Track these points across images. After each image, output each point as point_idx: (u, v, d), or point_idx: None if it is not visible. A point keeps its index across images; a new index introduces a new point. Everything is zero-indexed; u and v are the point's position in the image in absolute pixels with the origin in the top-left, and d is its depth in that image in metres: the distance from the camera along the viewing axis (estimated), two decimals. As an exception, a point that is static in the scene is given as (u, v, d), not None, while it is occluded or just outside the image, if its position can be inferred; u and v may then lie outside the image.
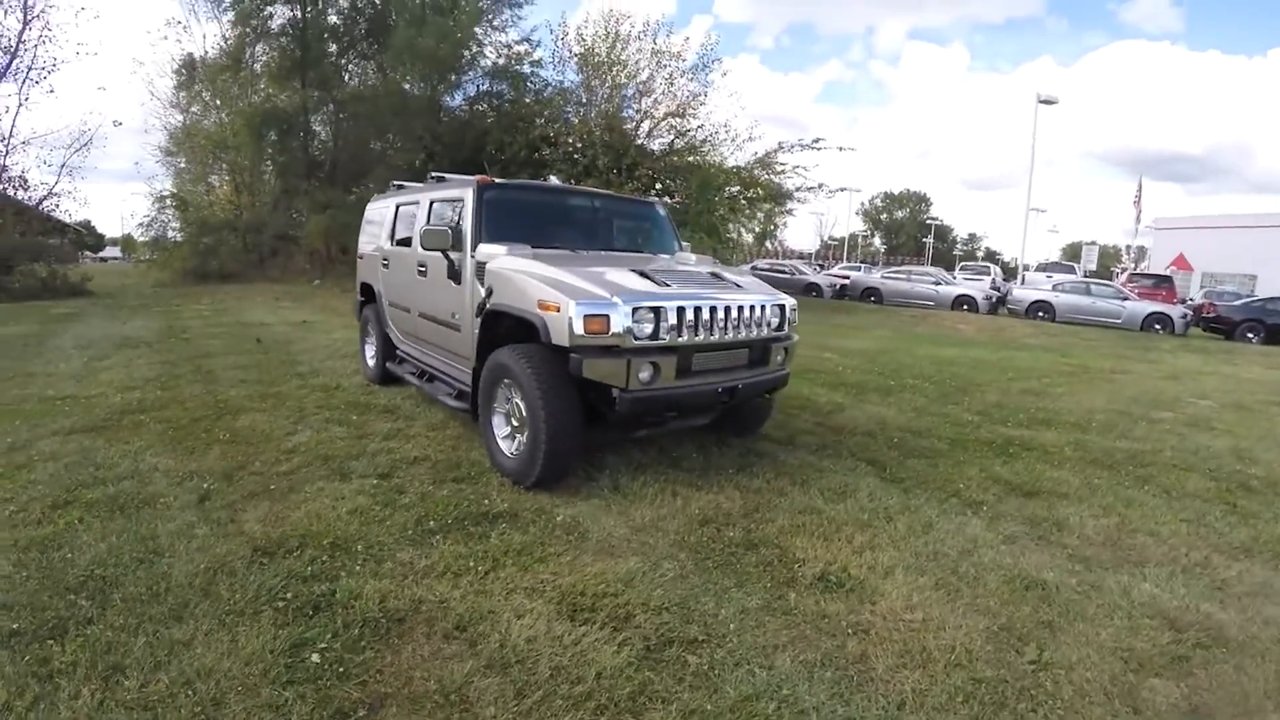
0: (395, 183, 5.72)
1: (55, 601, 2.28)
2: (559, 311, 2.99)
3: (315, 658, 2.02)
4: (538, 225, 4.16)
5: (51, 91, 15.50)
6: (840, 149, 14.82)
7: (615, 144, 13.94)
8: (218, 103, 17.39)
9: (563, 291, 3.04)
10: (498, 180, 4.13)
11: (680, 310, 3.14)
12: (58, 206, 13.36)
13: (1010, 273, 31.53)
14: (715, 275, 3.80)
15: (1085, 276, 22.20)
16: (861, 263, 31.57)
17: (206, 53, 16.67)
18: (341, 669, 1.98)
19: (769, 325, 3.64)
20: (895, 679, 1.98)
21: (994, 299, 18.05)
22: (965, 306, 17.61)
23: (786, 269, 22.04)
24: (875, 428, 4.97)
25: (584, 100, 15.22)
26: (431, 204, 4.46)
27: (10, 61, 11.97)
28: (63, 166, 13.44)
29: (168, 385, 5.51)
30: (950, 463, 4.15)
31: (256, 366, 6.46)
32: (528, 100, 15.37)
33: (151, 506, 3.07)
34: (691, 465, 3.77)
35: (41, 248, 12.63)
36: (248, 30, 15.28)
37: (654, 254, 4.57)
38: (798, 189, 15.04)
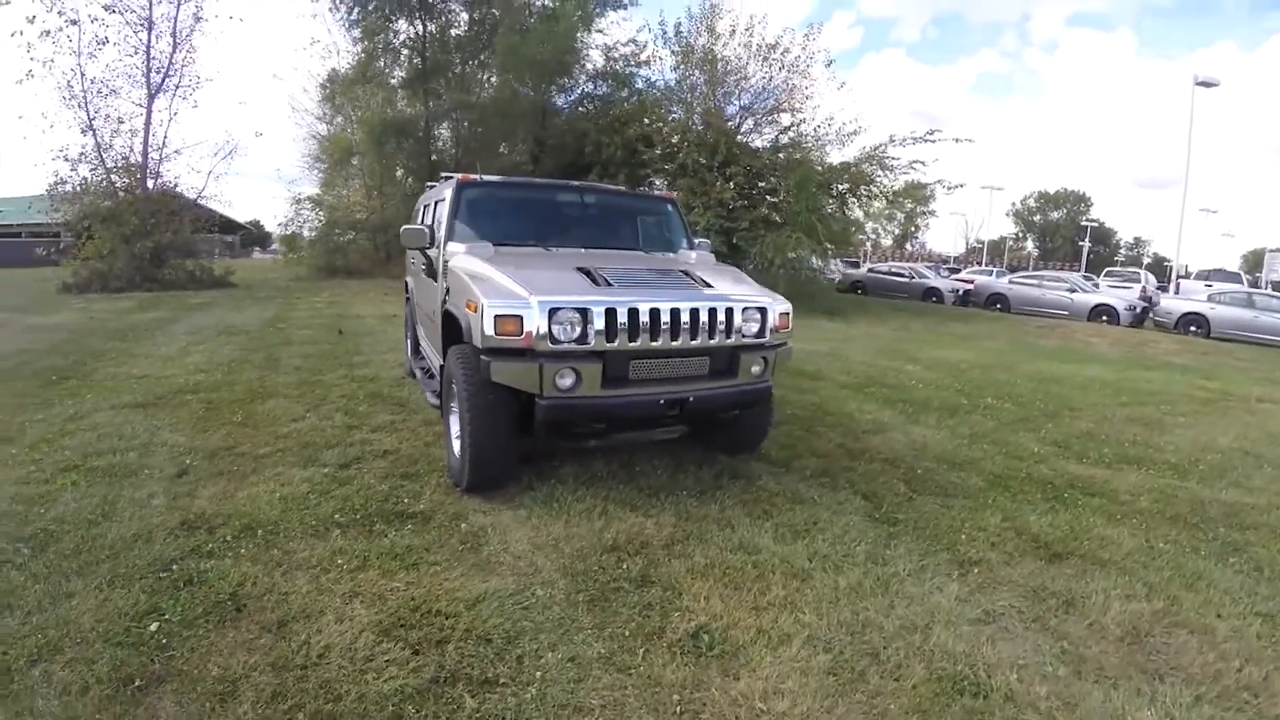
0: (429, 183, 6.08)
1: (3, 545, 2.69)
2: (476, 312, 3.00)
3: (153, 627, 2.21)
4: (522, 222, 4.22)
5: (196, 106, 18.56)
6: (957, 140, 13.53)
7: (711, 141, 13.77)
8: (354, 114, 19.59)
9: (483, 291, 3.05)
10: (482, 178, 4.25)
11: (610, 312, 3.00)
12: (208, 207, 15.84)
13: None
14: (686, 274, 3.58)
15: (1269, 287, 18.49)
16: (994, 267, 28.60)
17: (340, 69, 18.87)
18: (164, 641, 2.14)
19: (739, 331, 3.35)
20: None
21: (1139, 310, 15.96)
22: (1104, 318, 15.72)
23: (905, 272, 20.53)
24: (906, 455, 4.46)
25: (685, 99, 15.21)
26: (435, 203, 4.69)
27: (163, 80, 14.42)
28: (209, 173, 15.95)
29: (232, 370, 6.26)
30: (971, 505, 3.60)
31: (320, 356, 7.16)
32: (625, 101, 15.66)
33: (135, 476, 3.51)
34: (649, 483, 3.60)
35: (190, 244, 15.02)
36: (374, 45, 17.07)
37: (651, 251, 4.46)
38: (913, 185, 13.92)
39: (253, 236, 34.54)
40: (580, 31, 15.96)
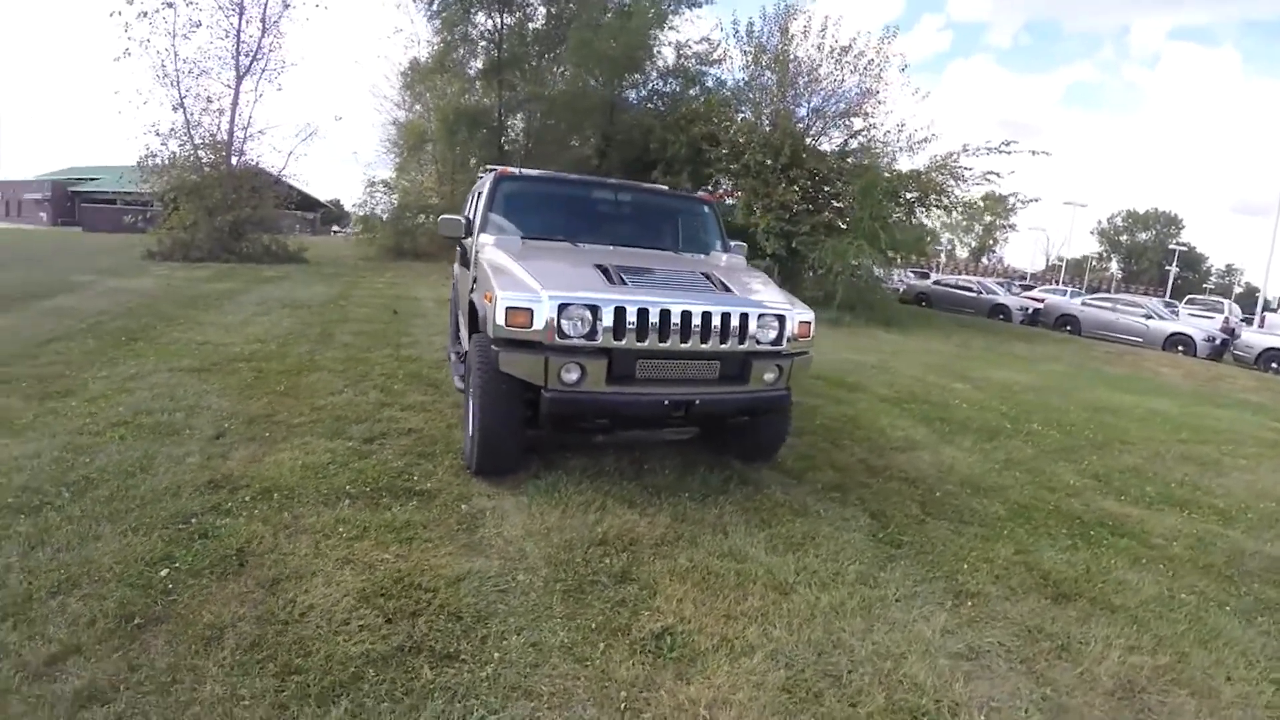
0: (480, 174, 6.26)
1: (49, 488, 2.97)
2: (491, 302, 3.09)
3: (163, 573, 2.40)
4: (555, 218, 4.30)
5: (280, 89, 19.61)
6: (1034, 153, 12.84)
7: (776, 142, 13.58)
8: (431, 102, 20.34)
9: (499, 283, 3.13)
10: (520, 171, 4.35)
11: (619, 311, 3.03)
12: (287, 185, 16.81)
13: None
14: (707, 277, 3.57)
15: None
16: (1068, 286, 27.10)
17: (420, 58, 19.61)
18: (170, 586, 2.32)
19: (753, 338, 3.33)
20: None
21: (1218, 341, 14.91)
22: (1180, 348, 14.79)
23: (973, 286, 19.68)
24: (929, 476, 4.32)
25: (754, 99, 15.06)
26: (478, 194, 4.83)
27: (251, 63, 15.37)
28: (290, 153, 16.93)
29: (286, 342, 6.65)
30: (984, 535, 3.44)
31: (372, 334, 7.51)
32: (693, 99, 15.64)
33: (177, 435, 3.79)
34: (654, 482, 3.61)
35: (268, 220, 15.99)
36: (453, 35, 17.66)
37: (683, 252, 4.47)
38: (990, 197, 13.32)
39: (332, 215, 36.41)
40: (653, 28, 16.03)
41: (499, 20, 18.17)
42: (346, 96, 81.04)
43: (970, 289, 19.50)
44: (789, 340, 3.45)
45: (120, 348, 5.75)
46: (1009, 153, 12.71)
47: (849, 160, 13.91)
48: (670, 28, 16.69)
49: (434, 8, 17.27)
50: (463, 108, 18.32)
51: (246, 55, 15.41)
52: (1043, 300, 19.32)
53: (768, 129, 14.52)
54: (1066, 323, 17.07)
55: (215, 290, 10.13)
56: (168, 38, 14.96)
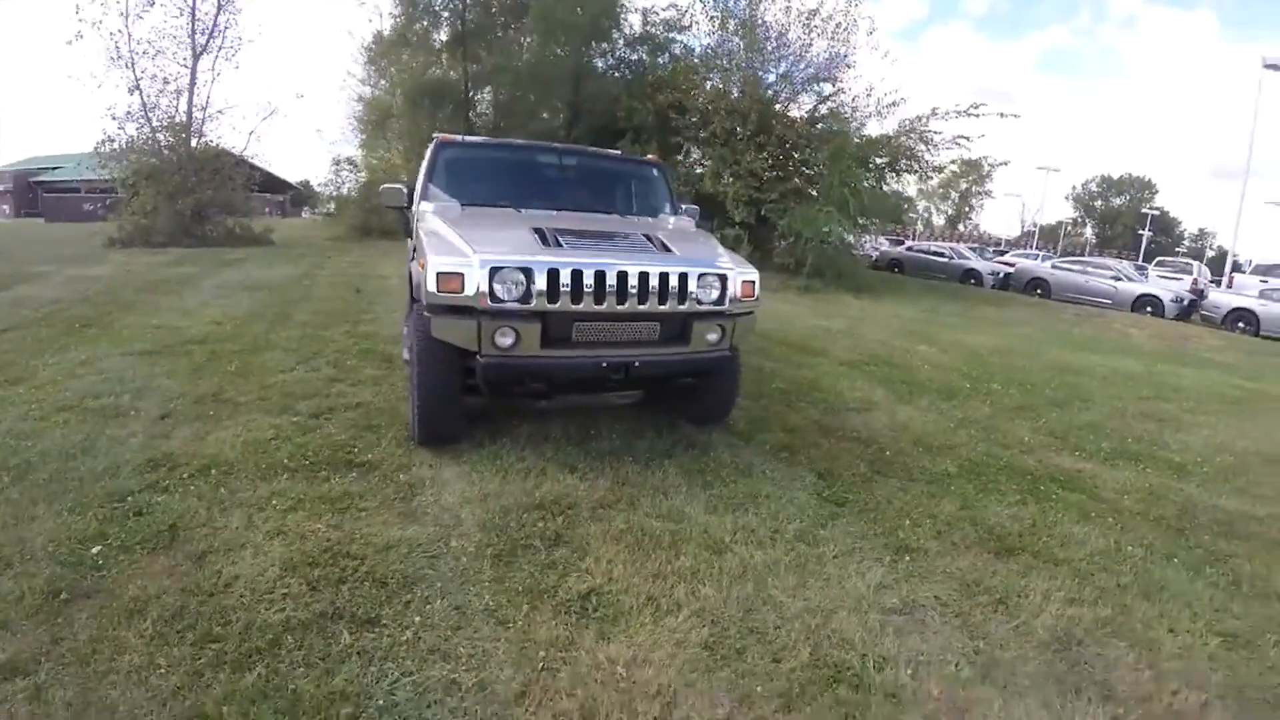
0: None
1: (-15, 474, 2.95)
2: (424, 269, 3.10)
3: (95, 550, 2.43)
4: (498, 184, 4.29)
5: (238, 68, 19.04)
6: (1001, 115, 12.84)
7: (744, 109, 13.48)
8: (394, 76, 19.86)
9: (432, 248, 3.14)
10: (460, 138, 4.32)
11: (553, 273, 3.04)
12: (249, 166, 16.45)
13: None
14: (648, 238, 3.58)
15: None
16: (1040, 251, 27.49)
17: (383, 31, 19.11)
18: (101, 562, 2.36)
19: (694, 298, 3.34)
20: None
21: (1186, 302, 15.31)
22: (1149, 309, 15.04)
23: (944, 252, 19.88)
24: (882, 435, 4.42)
25: (723, 65, 14.89)
26: (424, 163, 4.79)
27: (207, 41, 14.95)
28: (251, 133, 16.54)
29: (243, 323, 6.59)
30: (931, 492, 3.53)
31: (331, 313, 7.45)
32: (660, 66, 15.43)
33: (122, 418, 3.78)
34: (599, 447, 3.67)
35: (230, 202, 15.67)
36: (414, 8, 17.20)
37: (630, 215, 4.46)
38: (965, 163, 13.39)
39: (302, 196, 35.69)
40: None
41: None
42: (312, 74, 78.83)
43: (942, 254, 19.67)
44: (732, 300, 3.46)
45: (73, 335, 5.68)
46: (978, 115, 12.72)
47: (819, 126, 13.85)
48: (638, -7, 16.38)
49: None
50: (426, 82, 17.93)
51: (203, 34, 14.99)
52: (1014, 265, 19.52)
53: (735, 96, 14.40)
54: (1037, 286, 17.29)
55: (175, 275, 9.97)
56: (120, 18, 14.49)
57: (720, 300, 3.43)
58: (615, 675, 1.94)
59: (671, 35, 16.00)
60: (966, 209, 50.87)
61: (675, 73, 15.34)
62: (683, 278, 3.28)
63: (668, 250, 3.46)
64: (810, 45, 13.78)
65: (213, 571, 2.31)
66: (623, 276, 3.14)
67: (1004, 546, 2.97)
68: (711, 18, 14.62)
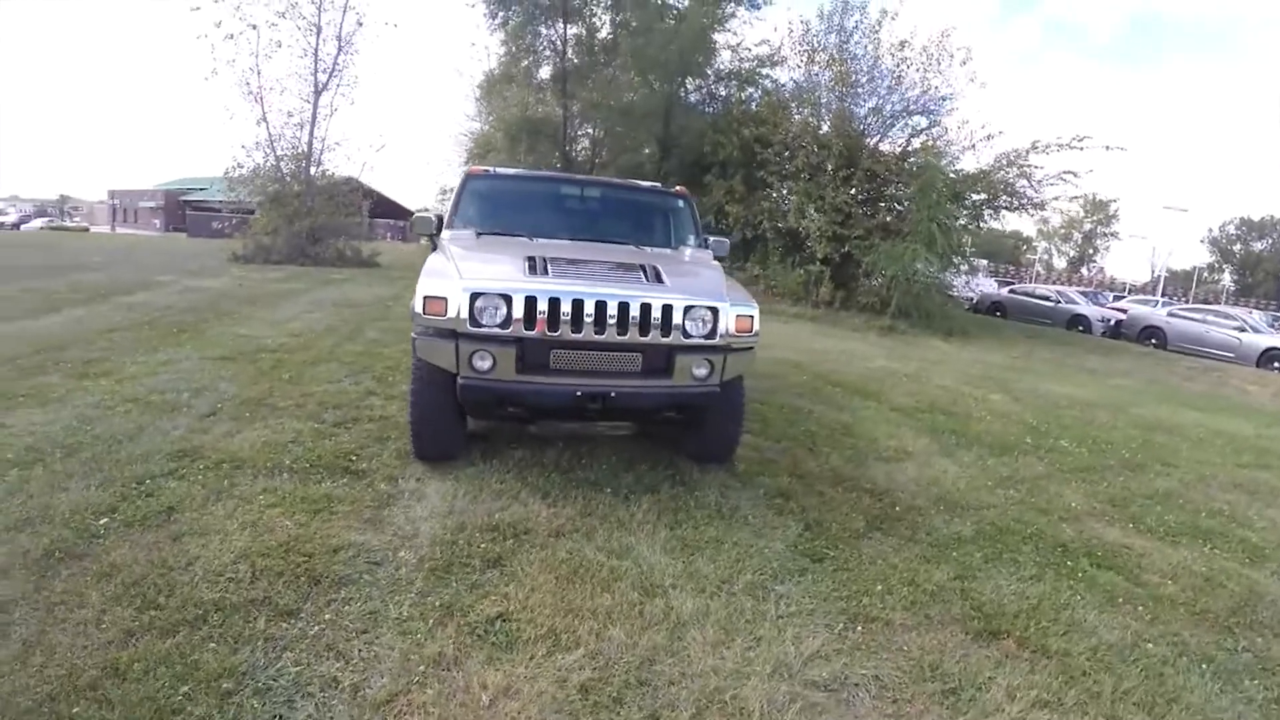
0: None
1: (47, 449, 3.48)
2: (417, 294, 3.33)
3: (103, 521, 2.81)
4: (519, 214, 4.53)
5: (353, 103, 20.87)
6: (1107, 148, 11.84)
7: (830, 143, 13.33)
8: (497, 112, 21.36)
9: (426, 274, 3.37)
10: (490, 170, 4.61)
11: (530, 300, 3.17)
12: (361, 192, 18.12)
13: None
14: (644, 269, 3.59)
15: None
16: (1159, 298, 24.67)
17: (492, 70, 20.65)
18: (102, 532, 2.72)
19: (683, 330, 3.34)
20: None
21: None
22: (1277, 365, 13.36)
23: (1051, 296, 18.40)
24: (903, 489, 4.15)
25: (812, 99, 14.85)
26: (454, 193, 5.15)
27: (328, 79, 16.72)
28: (364, 164, 18.27)
29: (318, 337, 7.26)
30: (928, 555, 3.25)
31: (398, 331, 8.01)
32: (746, 102, 15.61)
33: (175, 412, 4.29)
34: (585, 475, 3.71)
35: (342, 226, 17.31)
36: (517, 47, 18.50)
37: (649, 246, 4.50)
38: (1056, 198, 12.49)
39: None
40: (709, 31, 16.14)
41: (563, 30, 18.87)
42: (427, 108, 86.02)
43: (1048, 298, 18.28)
44: (723, 335, 3.43)
45: (168, 338, 6.49)
46: (1082, 149, 11.85)
47: (911, 161, 13.41)
48: (728, 30, 16.77)
49: (498, 20, 18.13)
50: (525, 118, 19.12)
51: (324, 72, 16.88)
52: (1126, 311, 17.86)
53: (825, 131, 14.27)
54: (1151, 336, 15.84)
55: (278, 290, 11.12)
56: (251, 58, 16.62)
57: (711, 334, 3.41)
58: (479, 701, 1.96)
59: (762, 70, 16.18)
60: (1090, 251, 46.80)
61: (764, 106, 15.47)
62: (666, 309, 3.30)
63: (659, 281, 3.49)
64: (902, 78, 13.43)
65: (182, 550, 2.59)
66: (601, 306, 3.21)
67: (988, 628, 2.65)
68: (800, 51, 14.63)
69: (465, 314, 3.17)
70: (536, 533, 3.01)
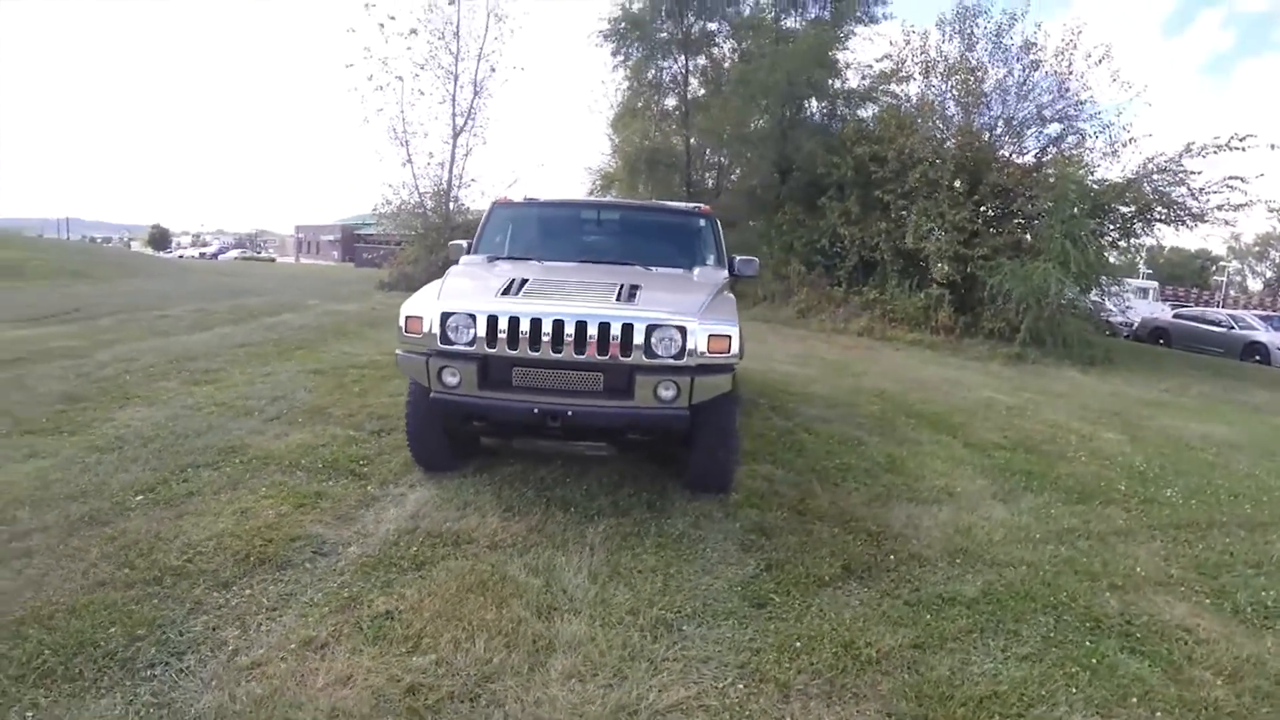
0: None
1: (132, 439, 4.20)
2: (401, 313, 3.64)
3: (139, 498, 3.38)
4: (537, 238, 4.77)
5: (485, 143, 22.33)
6: (1274, 147, 9.73)
7: (949, 156, 12.40)
8: (619, 144, 22.28)
9: (416, 297, 3.67)
10: (515, 200, 4.90)
11: (492, 320, 3.32)
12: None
13: None
14: (623, 287, 3.60)
15: None
16: None
17: (617, 105, 21.66)
18: (133, 508, 3.26)
19: (648, 350, 3.31)
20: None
21: None
22: None
23: (1223, 320, 15.39)
24: (916, 536, 3.66)
25: (931, 112, 13.94)
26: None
27: (465, 122, 18.35)
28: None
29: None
30: (895, 615, 2.80)
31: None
32: (860, 119, 14.98)
33: (248, 416, 4.98)
34: (560, 494, 3.74)
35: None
36: (639, 83, 19.28)
37: (658, 266, 4.50)
38: (1221, 208, 10.55)
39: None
40: (827, 50, 15.78)
41: (684, 61, 19.38)
42: (561, 144, 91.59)
43: (1219, 323, 15.31)
44: (694, 355, 3.35)
45: (284, 354, 7.51)
46: (1244, 149, 9.92)
47: (1047, 172, 12.03)
48: (846, 49, 16.27)
49: (620, 58, 19.02)
50: (644, 147, 19.76)
51: (460, 115, 18.70)
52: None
53: (950, 145, 13.30)
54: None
55: (394, 314, 12.37)
56: (397, 106, 18.80)
57: (679, 354, 3.35)
58: (315, 683, 2.12)
59: (881, 86, 15.48)
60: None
61: (881, 122, 14.77)
62: (626, 328, 3.29)
63: (630, 299, 3.50)
64: (1032, 83, 12.19)
65: (177, 526, 3.06)
66: (558, 325, 3.28)
67: (916, 712, 2.24)
68: (920, 63, 13.81)
69: (437, 332, 3.41)
70: (476, 543, 3.13)
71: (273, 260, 53.36)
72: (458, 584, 2.73)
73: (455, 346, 3.40)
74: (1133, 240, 12.11)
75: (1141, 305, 17.90)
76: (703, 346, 3.36)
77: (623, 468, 4.22)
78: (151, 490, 3.48)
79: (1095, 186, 11.35)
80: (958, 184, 12.33)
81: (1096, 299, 12.09)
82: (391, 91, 18.63)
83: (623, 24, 18.34)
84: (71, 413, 4.67)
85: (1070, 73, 11.99)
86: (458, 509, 3.48)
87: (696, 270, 4.38)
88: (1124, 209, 11.50)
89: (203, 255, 57.09)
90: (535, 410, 3.31)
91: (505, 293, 3.53)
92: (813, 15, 16.66)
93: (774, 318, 15.37)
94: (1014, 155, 12.84)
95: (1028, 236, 11.98)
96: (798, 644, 2.53)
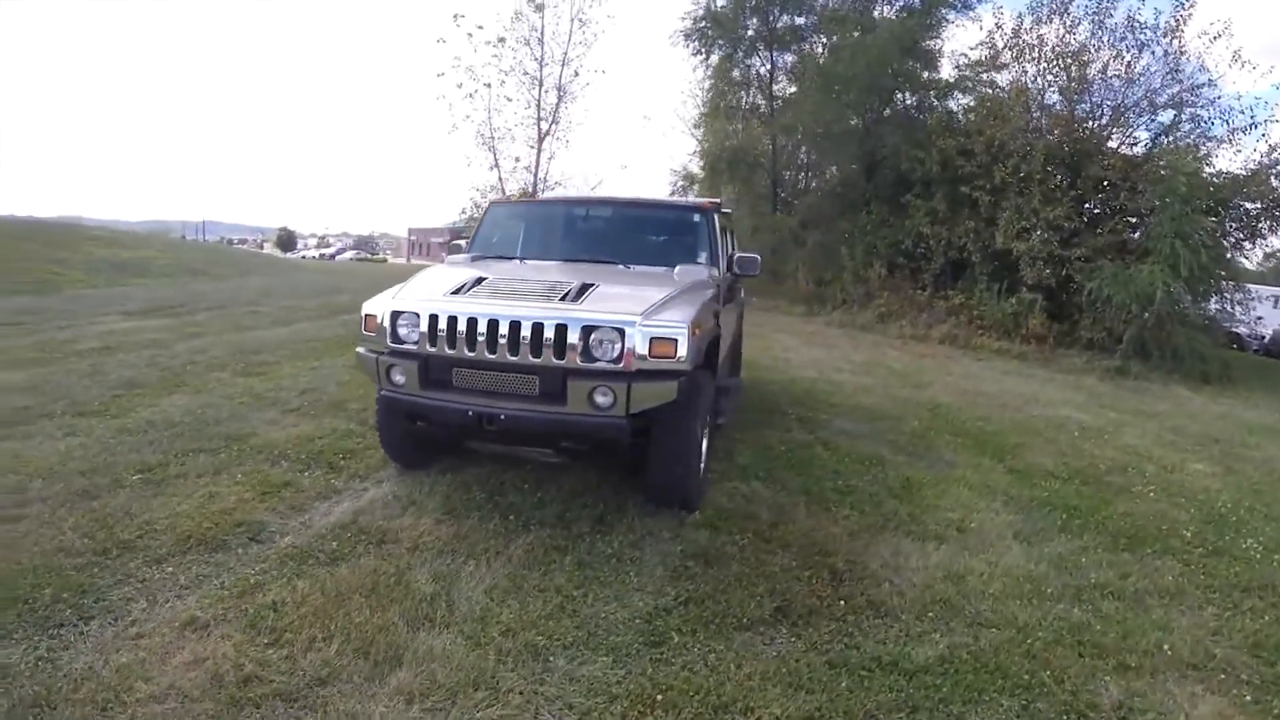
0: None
1: (160, 423, 4.55)
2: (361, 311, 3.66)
3: (134, 478, 3.66)
4: (533, 237, 4.71)
5: (568, 145, 22.26)
6: None
7: (1043, 148, 11.15)
8: (702, 145, 21.94)
9: (377, 295, 3.69)
10: (510, 199, 4.86)
11: (433, 319, 3.28)
12: None
13: None
14: (576, 286, 3.44)
15: None
16: None
17: (702, 105, 21.35)
18: (123, 486, 3.54)
19: (585, 353, 3.13)
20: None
21: None
22: None
23: None
24: (896, 579, 3.18)
25: (1026, 101, 12.61)
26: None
27: (549, 126, 18.62)
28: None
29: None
30: (814, 678, 2.40)
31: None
32: (947, 112, 13.79)
33: (272, 407, 5.28)
34: (509, 500, 3.66)
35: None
36: (722, 82, 18.86)
37: (643, 264, 4.29)
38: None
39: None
40: (912, 40, 14.68)
41: (769, 58, 18.77)
42: (646, 146, 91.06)
43: None
44: (634, 359, 3.13)
45: (342, 349, 7.89)
46: None
47: (1158, 164, 10.50)
48: (936, 37, 15.03)
49: (700, 57, 18.68)
50: (726, 146, 19.33)
51: (545, 120, 19.04)
52: None
53: (1052, 136, 11.97)
54: None
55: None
56: (484, 112, 19.31)
57: (618, 359, 3.14)
58: (173, 659, 2.23)
59: (968, 75, 14.19)
60: None
61: (975, 112, 13.56)
62: (560, 329, 3.13)
63: (577, 299, 3.31)
64: (1133, 66, 10.66)
65: (148, 504, 3.32)
66: (493, 325, 3.18)
67: None
68: (1014, 48, 12.50)
69: (388, 329, 3.40)
70: (400, 543, 3.12)
71: (384, 260, 57.17)
72: (352, 583, 2.73)
73: (404, 345, 3.38)
74: (1260, 241, 10.31)
75: (1276, 316, 15.30)
76: (643, 350, 3.14)
77: (592, 478, 4.03)
78: (149, 471, 3.74)
79: (1213, 180, 9.74)
80: (1044, 176, 11.03)
81: (1216, 307, 10.40)
82: (480, 99, 19.30)
83: (704, 22, 17.99)
84: (124, 398, 5.14)
85: (1183, 53, 10.39)
86: (401, 508, 3.48)
87: (679, 268, 4.09)
88: (1249, 205, 9.80)
89: (322, 256, 62.03)
90: (470, 413, 3.23)
91: (457, 292, 3.47)
92: (901, 4, 15.53)
93: (851, 323, 14.54)
94: (1121, 146, 11.32)
95: (1135, 236, 10.51)
96: (659, 696, 2.22)
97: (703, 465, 3.94)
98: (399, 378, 3.40)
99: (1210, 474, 5.46)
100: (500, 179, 19.28)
